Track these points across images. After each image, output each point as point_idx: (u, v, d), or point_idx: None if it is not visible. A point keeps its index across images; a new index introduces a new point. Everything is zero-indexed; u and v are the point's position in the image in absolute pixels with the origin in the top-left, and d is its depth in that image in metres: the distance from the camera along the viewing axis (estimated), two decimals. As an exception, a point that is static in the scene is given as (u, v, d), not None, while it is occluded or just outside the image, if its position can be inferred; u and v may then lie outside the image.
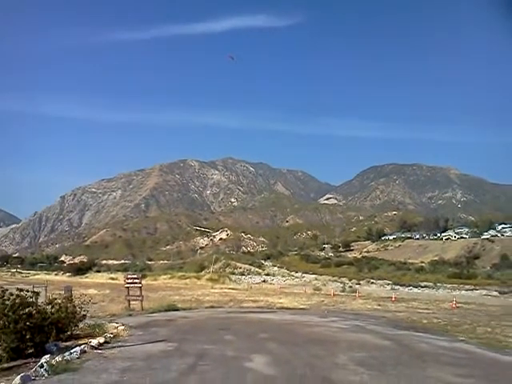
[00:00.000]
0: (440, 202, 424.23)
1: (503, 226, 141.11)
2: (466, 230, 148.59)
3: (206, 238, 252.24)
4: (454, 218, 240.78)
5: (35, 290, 12.16)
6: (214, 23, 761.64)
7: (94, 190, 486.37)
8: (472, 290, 57.26)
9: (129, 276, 25.37)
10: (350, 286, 60.44)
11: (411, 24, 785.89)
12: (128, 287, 23.48)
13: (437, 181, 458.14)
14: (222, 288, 50.18)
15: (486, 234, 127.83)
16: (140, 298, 22.84)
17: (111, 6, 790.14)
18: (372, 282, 70.03)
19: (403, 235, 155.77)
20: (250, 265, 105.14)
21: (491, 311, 28.27)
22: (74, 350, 10.57)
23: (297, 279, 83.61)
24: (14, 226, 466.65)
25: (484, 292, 54.55)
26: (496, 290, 54.80)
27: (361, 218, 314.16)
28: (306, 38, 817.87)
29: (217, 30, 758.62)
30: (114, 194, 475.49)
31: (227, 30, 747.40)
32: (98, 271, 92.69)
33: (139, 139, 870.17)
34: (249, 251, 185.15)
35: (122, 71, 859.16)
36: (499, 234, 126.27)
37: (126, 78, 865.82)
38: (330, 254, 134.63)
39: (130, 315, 20.09)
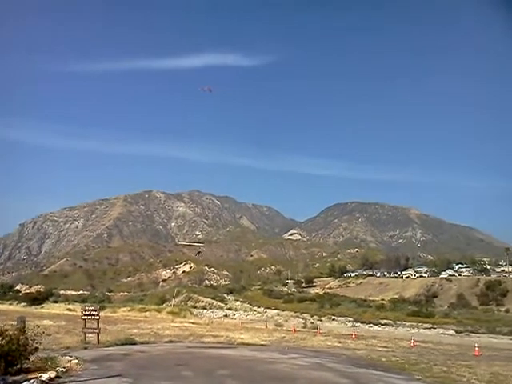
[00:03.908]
0: (401, 240, 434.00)
1: (460, 265, 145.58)
2: (425, 268, 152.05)
3: (168, 271, 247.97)
4: (414, 256, 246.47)
5: (-14, 320, 11.70)
6: (184, 59, 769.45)
7: (55, 218, 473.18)
8: (430, 328, 58.31)
9: (86, 308, 24.63)
10: (312, 322, 60.38)
11: (373, 68, 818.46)
12: (85, 319, 22.79)
13: (398, 220, 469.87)
14: (182, 322, 49.09)
15: (443, 273, 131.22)
16: (97, 331, 22.14)
17: (77, 37, 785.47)
18: (333, 319, 70.29)
19: (365, 272, 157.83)
20: (213, 299, 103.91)
21: (447, 350, 28.79)
22: (22, 384, 10.16)
23: (259, 314, 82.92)
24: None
25: (441, 331, 55.65)
26: (453, 329, 55.99)
27: (324, 254, 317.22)
28: (273, 78, 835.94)
29: (186, 66, 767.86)
30: (76, 222, 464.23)
31: (197, 67, 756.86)
32: (55, 302, 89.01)
33: (104, 168, 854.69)
34: (212, 285, 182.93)
35: (87, 101, 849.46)
36: (456, 274, 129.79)
37: (93, 108, 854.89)
38: (293, 290, 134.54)
39: (86, 348, 19.42)
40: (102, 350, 18.91)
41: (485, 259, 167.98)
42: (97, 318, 22.81)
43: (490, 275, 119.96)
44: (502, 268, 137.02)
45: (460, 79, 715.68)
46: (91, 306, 28.74)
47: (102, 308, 51.41)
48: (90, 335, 22.21)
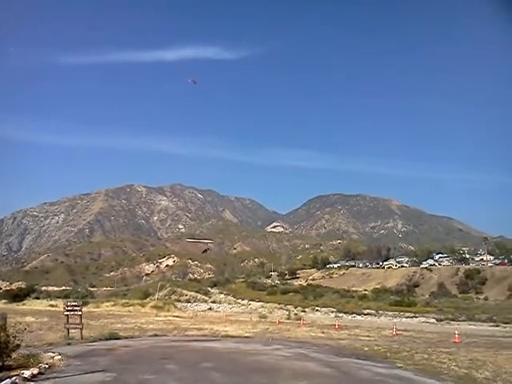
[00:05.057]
0: (382, 231, 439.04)
1: (440, 255, 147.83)
2: (406, 259, 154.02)
3: (151, 265, 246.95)
4: (395, 247, 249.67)
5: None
6: (165, 52, 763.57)
7: (35, 213, 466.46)
8: (412, 317, 59.17)
9: (68, 303, 24.40)
10: (296, 314, 60.78)
11: (357, 62, 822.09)
12: (67, 315, 22.58)
13: (379, 211, 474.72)
14: (166, 316, 49.01)
15: (424, 263, 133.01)
16: (80, 327, 21.97)
17: (59, 29, 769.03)
18: (317, 310, 70.84)
19: (347, 263, 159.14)
20: (197, 292, 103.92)
21: (428, 338, 29.30)
22: (3, 382, 10.04)
23: (243, 307, 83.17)
24: None
25: (423, 319, 56.50)
26: (434, 318, 56.96)
27: (307, 246, 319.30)
28: (254, 71, 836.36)
29: (167, 59, 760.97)
30: (57, 218, 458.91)
31: (178, 60, 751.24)
32: (37, 298, 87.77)
33: (85, 163, 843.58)
34: (195, 278, 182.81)
35: (68, 96, 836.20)
36: (436, 264, 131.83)
37: (73, 103, 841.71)
38: (277, 282, 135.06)
39: (69, 344, 19.27)
40: (85, 346, 18.79)
41: (464, 248, 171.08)
42: (79, 313, 22.62)
43: (469, 264, 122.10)
44: (481, 257, 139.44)
45: (441, 75, 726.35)
46: (74, 301, 28.50)
47: (85, 303, 50.95)
48: (73, 331, 22.03)
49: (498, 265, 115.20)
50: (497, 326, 48.81)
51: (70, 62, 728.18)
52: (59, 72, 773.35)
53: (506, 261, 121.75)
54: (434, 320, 55.32)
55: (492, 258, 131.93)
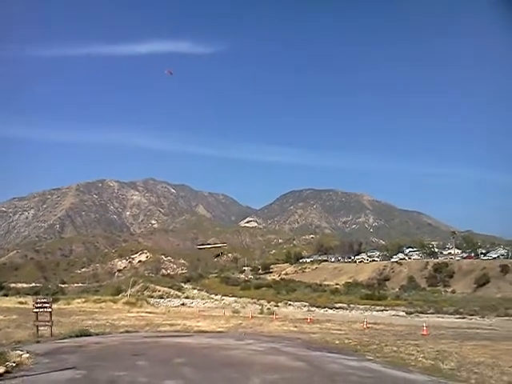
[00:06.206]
0: (354, 226, 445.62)
1: (410, 249, 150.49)
2: (378, 253, 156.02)
3: (124, 261, 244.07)
4: (367, 241, 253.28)
5: None
6: (136, 45, 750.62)
7: (3, 209, 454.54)
8: (382, 310, 60.34)
9: (38, 300, 23.92)
10: (268, 308, 61.13)
11: (326, 59, 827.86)
12: (37, 312, 22.14)
13: (351, 206, 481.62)
14: (138, 312, 48.51)
15: (395, 257, 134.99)
16: (49, 324, 21.58)
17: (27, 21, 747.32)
18: (289, 304, 71.46)
19: (320, 258, 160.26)
20: (170, 288, 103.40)
21: (398, 331, 29.93)
22: (-31, 381, 9.84)
23: (216, 302, 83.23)
24: None
25: (393, 312, 57.71)
26: (403, 311, 58.22)
27: (280, 241, 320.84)
28: (227, 66, 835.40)
29: (138, 52, 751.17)
30: (27, 213, 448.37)
31: (149, 53, 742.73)
32: (6, 295, 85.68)
33: (55, 157, 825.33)
34: (169, 274, 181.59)
35: (38, 90, 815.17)
36: (407, 257, 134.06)
37: (44, 97, 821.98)
38: (250, 277, 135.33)
39: (38, 342, 18.93)
40: (55, 343, 18.50)
41: (433, 243, 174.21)
42: (49, 310, 22.20)
43: (437, 258, 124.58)
44: (449, 251, 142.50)
45: (404, 68, 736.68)
46: (43, 298, 27.97)
47: (56, 300, 50.07)
48: (43, 328, 21.62)
49: (465, 258, 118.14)
50: (463, 317, 50.37)
51: (40, 56, 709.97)
52: (30, 65, 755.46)
53: (472, 254, 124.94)
54: (403, 313, 56.57)
55: (459, 251, 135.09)
